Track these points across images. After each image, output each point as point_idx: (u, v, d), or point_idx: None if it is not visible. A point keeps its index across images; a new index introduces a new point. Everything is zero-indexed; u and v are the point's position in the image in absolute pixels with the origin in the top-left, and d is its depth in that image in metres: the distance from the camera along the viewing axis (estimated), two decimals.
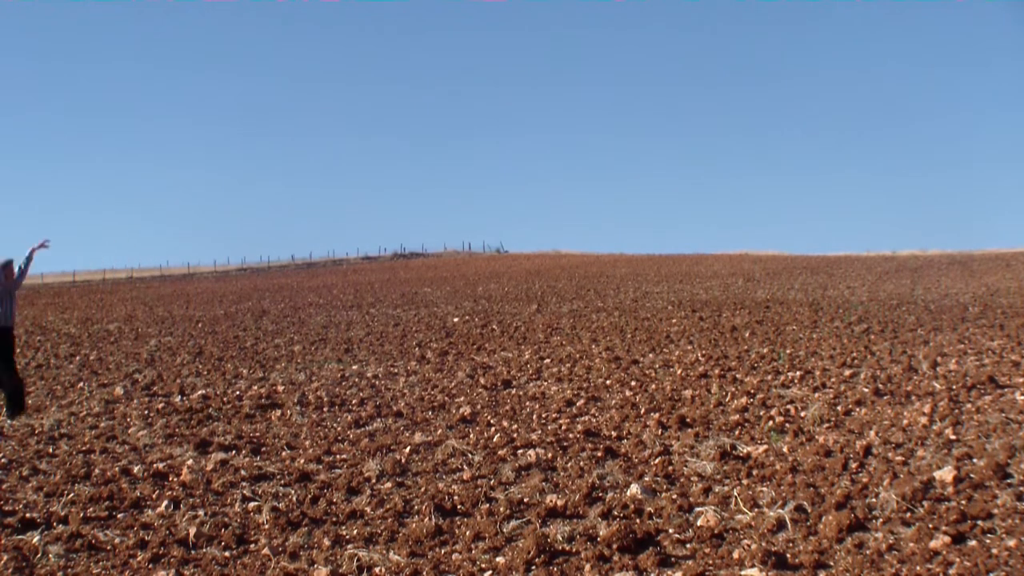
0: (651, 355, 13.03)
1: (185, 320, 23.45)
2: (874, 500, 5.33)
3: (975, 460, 6.14)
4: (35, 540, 5.07)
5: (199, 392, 10.87)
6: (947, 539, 4.54)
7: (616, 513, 5.39)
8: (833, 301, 22.45)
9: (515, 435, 7.79)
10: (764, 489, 5.72)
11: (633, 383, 10.51)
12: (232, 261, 71.37)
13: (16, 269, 9.88)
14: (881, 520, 4.99)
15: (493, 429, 8.20)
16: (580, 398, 9.61)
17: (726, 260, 50.70)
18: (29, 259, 9.88)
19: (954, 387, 9.09)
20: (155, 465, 7.00)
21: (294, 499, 5.94)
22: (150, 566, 4.74)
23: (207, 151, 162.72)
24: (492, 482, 6.25)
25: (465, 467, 6.74)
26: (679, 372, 11.16)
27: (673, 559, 4.62)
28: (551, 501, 5.56)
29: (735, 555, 4.58)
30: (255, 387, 11.28)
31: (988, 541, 4.56)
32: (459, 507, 5.63)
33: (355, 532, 5.21)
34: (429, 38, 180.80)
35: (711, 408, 8.67)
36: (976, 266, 37.56)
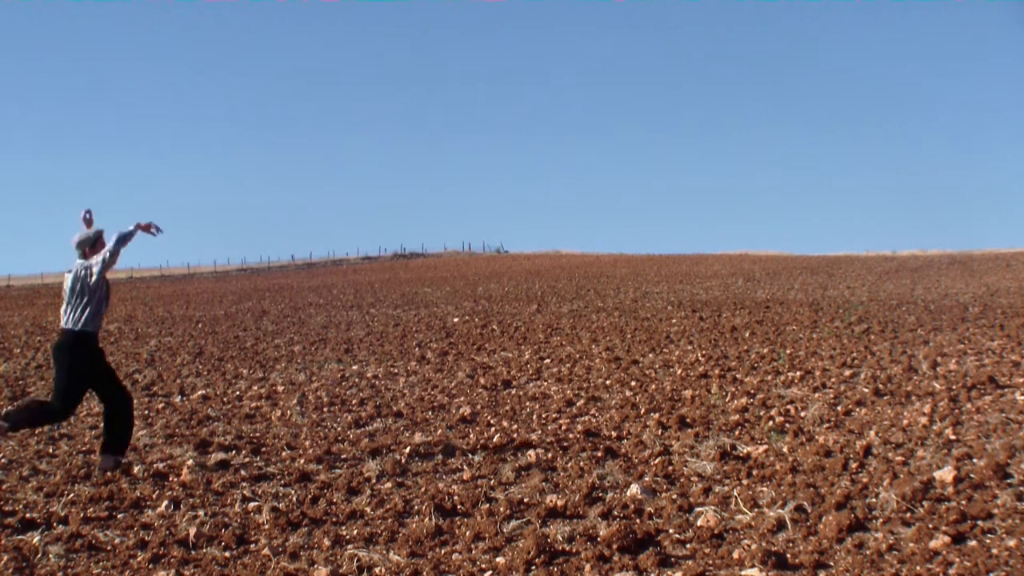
0: (651, 355, 13.03)
1: (185, 320, 23.44)
2: (874, 500, 5.32)
3: (975, 460, 6.14)
4: (35, 540, 5.06)
5: (199, 392, 10.87)
6: (947, 539, 4.54)
7: (616, 513, 5.39)
8: (833, 301, 22.44)
9: (515, 435, 7.79)
10: (764, 489, 5.72)
11: (633, 383, 10.51)
12: (232, 261, 71.36)
13: (104, 251, 6.79)
14: (881, 520, 4.99)
15: (493, 429, 8.20)
16: (580, 398, 9.61)
17: (726, 260, 50.69)
18: (123, 239, 6.75)
19: (954, 387, 9.08)
20: (155, 465, 7.00)
21: (294, 499, 5.94)
22: (150, 566, 4.73)
23: (207, 151, 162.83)
24: (492, 482, 6.25)
25: (465, 467, 6.74)
26: (679, 372, 11.16)
27: (673, 559, 4.62)
28: (551, 501, 5.56)
29: (735, 555, 4.58)
30: (255, 387, 11.28)
31: (988, 541, 4.56)
32: (459, 507, 5.63)
33: (355, 532, 5.21)
34: (429, 37, 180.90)
35: (711, 408, 8.67)
36: (976, 266, 37.55)
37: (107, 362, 6.98)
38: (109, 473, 6.72)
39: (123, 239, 6.75)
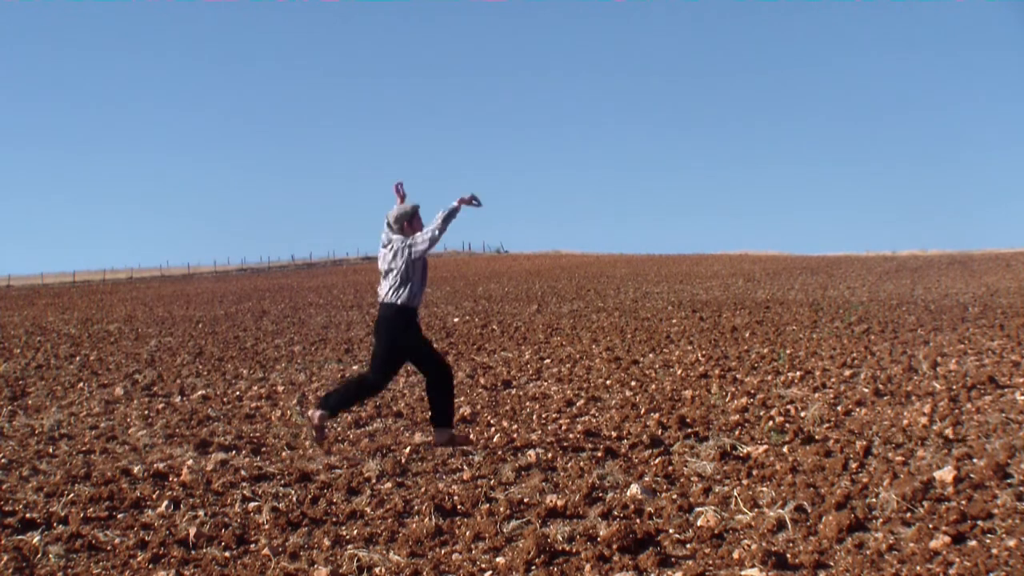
0: (651, 355, 13.03)
1: (185, 320, 23.44)
2: (874, 500, 5.32)
3: (975, 460, 6.14)
4: (35, 540, 5.06)
5: (199, 392, 10.87)
6: (947, 539, 4.54)
7: (616, 513, 5.39)
8: (833, 301, 22.44)
9: (515, 435, 7.79)
10: (764, 489, 5.72)
11: (633, 383, 10.51)
12: (232, 261, 71.43)
13: (431, 228, 6.93)
14: (881, 520, 4.99)
15: (493, 429, 8.20)
16: (580, 398, 9.61)
17: (726, 260, 50.72)
18: (449, 216, 6.85)
19: (954, 387, 9.08)
20: (155, 465, 7.00)
21: (294, 499, 5.93)
22: (150, 566, 4.73)
23: (207, 150, 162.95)
24: (492, 482, 6.25)
25: (465, 467, 6.74)
26: (679, 372, 11.16)
27: (673, 559, 4.62)
28: (551, 501, 5.56)
29: (735, 555, 4.58)
30: (255, 387, 11.28)
31: (988, 541, 4.56)
32: (459, 507, 5.63)
33: (355, 532, 5.21)
34: (428, 36, 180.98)
35: (711, 408, 8.67)
36: (976, 266, 37.57)
37: (424, 337, 7.23)
38: (443, 448, 7.04)
39: (449, 216, 6.89)
